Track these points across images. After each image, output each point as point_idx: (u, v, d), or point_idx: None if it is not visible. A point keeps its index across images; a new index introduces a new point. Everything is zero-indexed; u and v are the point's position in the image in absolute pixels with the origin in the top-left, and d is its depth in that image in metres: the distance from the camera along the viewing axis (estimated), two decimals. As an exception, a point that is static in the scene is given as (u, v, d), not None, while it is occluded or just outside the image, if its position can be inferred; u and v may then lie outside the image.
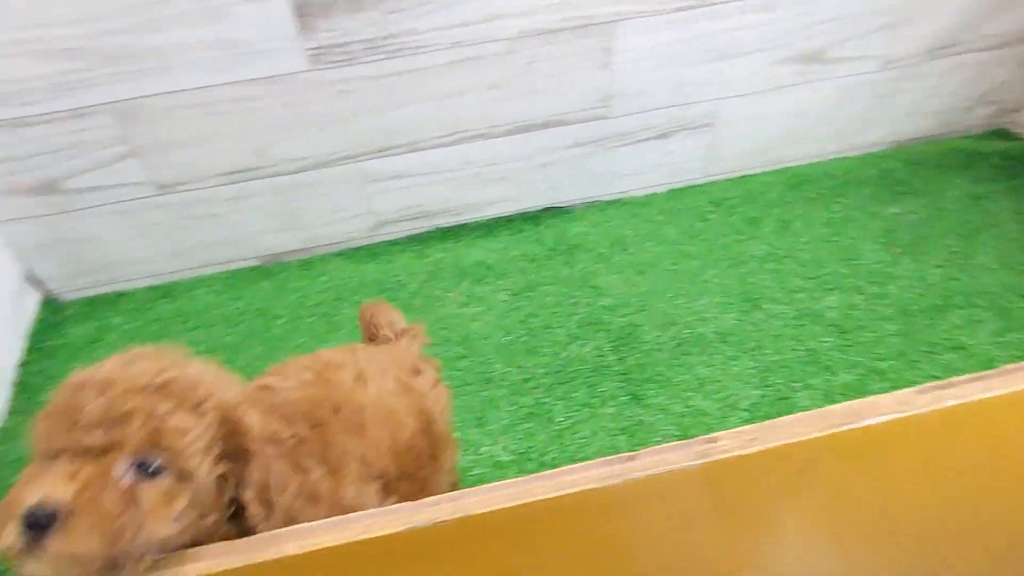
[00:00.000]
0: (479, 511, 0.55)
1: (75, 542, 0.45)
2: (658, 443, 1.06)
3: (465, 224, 1.42)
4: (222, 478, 0.55)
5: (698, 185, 1.48)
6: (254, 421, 0.56)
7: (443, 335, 1.23)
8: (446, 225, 1.41)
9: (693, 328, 1.21)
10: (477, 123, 1.25)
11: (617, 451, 1.05)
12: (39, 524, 0.45)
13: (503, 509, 0.55)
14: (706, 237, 1.38)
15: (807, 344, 1.16)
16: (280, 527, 0.55)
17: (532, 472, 1.05)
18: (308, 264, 1.37)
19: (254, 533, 0.55)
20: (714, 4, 1.19)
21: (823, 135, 1.46)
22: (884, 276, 1.27)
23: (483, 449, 1.07)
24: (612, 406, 1.11)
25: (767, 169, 1.49)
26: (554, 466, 1.04)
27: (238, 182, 1.21)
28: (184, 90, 1.07)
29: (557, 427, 1.09)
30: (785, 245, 1.35)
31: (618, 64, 1.23)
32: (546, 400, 1.13)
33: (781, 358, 1.15)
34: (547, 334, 1.22)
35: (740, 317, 1.22)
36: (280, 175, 1.22)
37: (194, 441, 0.52)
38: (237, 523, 0.57)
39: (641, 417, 1.09)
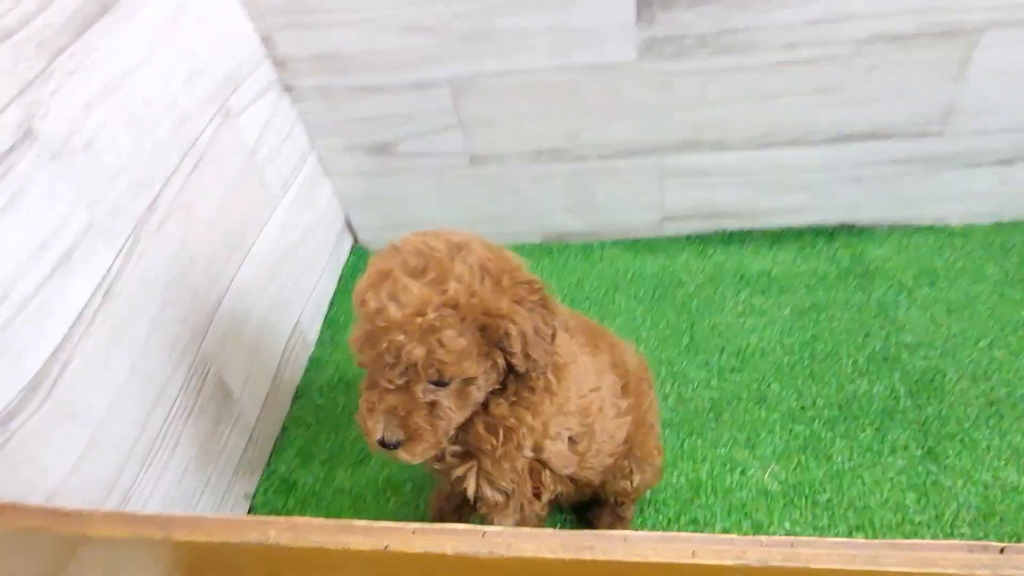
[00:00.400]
0: (816, 565, 0.52)
1: (412, 453, 0.67)
2: (956, 512, 0.95)
3: (751, 230, 1.36)
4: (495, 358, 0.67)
5: (1035, 222, 1.28)
6: (504, 304, 0.65)
7: (717, 343, 1.20)
8: (731, 229, 1.36)
9: (1012, 387, 1.06)
10: (793, 128, 1.18)
11: (906, 509, 0.96)
12: (388, 446, 0.67)
13: (844, 571, 0.52)
14: (1040, 284, 1.20)
15: None
16: (544, 369, 0.70)
17: (803, 507, 0.99)
18: (588, 248, 1.39)
19: (527, 376, 0.69)
20: (1116, 19, 1.01)
21: None
22: None
23: (750, 472, 1.03)
24: (902, 457, 1.01)
25: None
26: (830, 508, 0.98)
27: (543, 162, 1.26)
28: (517, 71, 1.12)
29: (836, 467, 1.02)
30: None
31: (972, 78, 1.09)
32: (825, 435, 1.05)
33: None
34: (832, 362, 1.14)
35: (1076, 386, 1.05)
36: (584, 159, 1.25)
37: (466, 356, 0.64)
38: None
39: (936, 477, 0.98)
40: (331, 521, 0.59)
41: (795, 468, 1.03)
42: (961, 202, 1.28)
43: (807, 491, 1.00)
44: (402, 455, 0.67)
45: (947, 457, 1.00)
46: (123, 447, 0.80)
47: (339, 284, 1.40)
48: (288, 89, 1.18)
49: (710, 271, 1.32)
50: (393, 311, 0.62)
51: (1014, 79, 1.09)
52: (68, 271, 0.73)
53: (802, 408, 1.09)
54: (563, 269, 1.36)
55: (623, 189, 1.30)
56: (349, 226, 1.43)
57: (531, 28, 1.07)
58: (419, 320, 0.61)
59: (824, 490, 1.00)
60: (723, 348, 1.19)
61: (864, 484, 1.00)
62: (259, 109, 1.11)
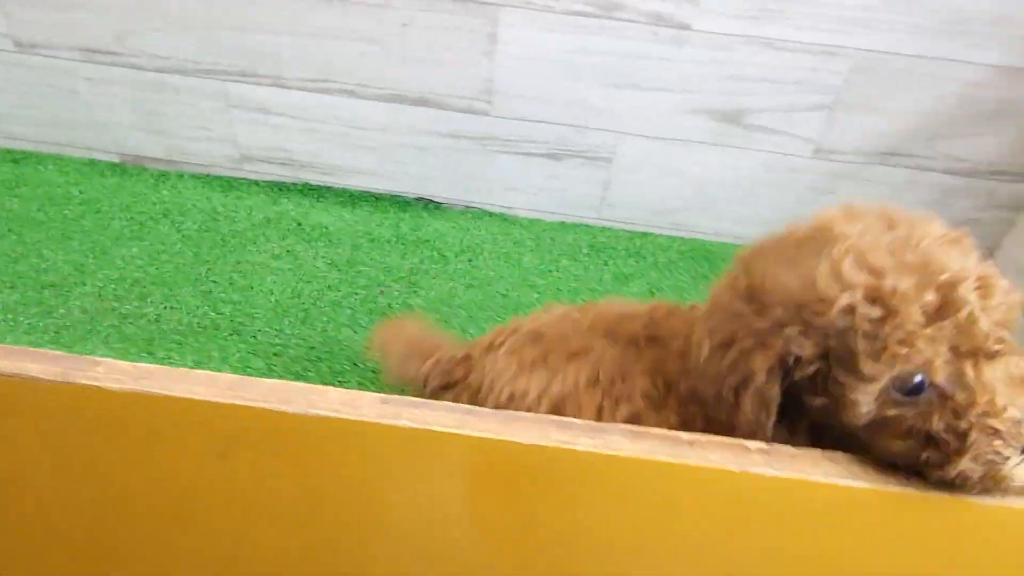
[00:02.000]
0: None
1: None
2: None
3: (331, 187, 1.34)
4: None
5: (589, 226, 1.33)
6: None
7: (232, 278, 1.15)
8: (314, 183, 1.34)
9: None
10: (346, 76, 1.18)
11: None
12: None
13: None
14: (560, 275, 1.23)
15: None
16: None
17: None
18: (165, 176, 1.33)
19: None
20: (613, 19, 1.07)
21: (743, 215, 1.29)
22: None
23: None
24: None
25: (671, 233, 1.33)
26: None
27: (97, 63, 1.19)
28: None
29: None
30: (638, 310, 1.18)
31: (501, 55, 1.13)
32: (298, 370, 1.02)
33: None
34: (332, 309, 1.12)
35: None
36: (140, 69, 1.20)
37: None
38: None
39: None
40: None
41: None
42: (525, 194, 1.31)
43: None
44: None
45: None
46: None
47: None
48: None
49: (272, 216, 1.28)
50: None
51: (540, 66, 1.14)
52: None
53: (282, 344, 1.06)
54: (125, 190, 1.29)
55: (191, 113, 1.25)
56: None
57: None
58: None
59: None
60: (233, 283, 1.14)
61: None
62: None
